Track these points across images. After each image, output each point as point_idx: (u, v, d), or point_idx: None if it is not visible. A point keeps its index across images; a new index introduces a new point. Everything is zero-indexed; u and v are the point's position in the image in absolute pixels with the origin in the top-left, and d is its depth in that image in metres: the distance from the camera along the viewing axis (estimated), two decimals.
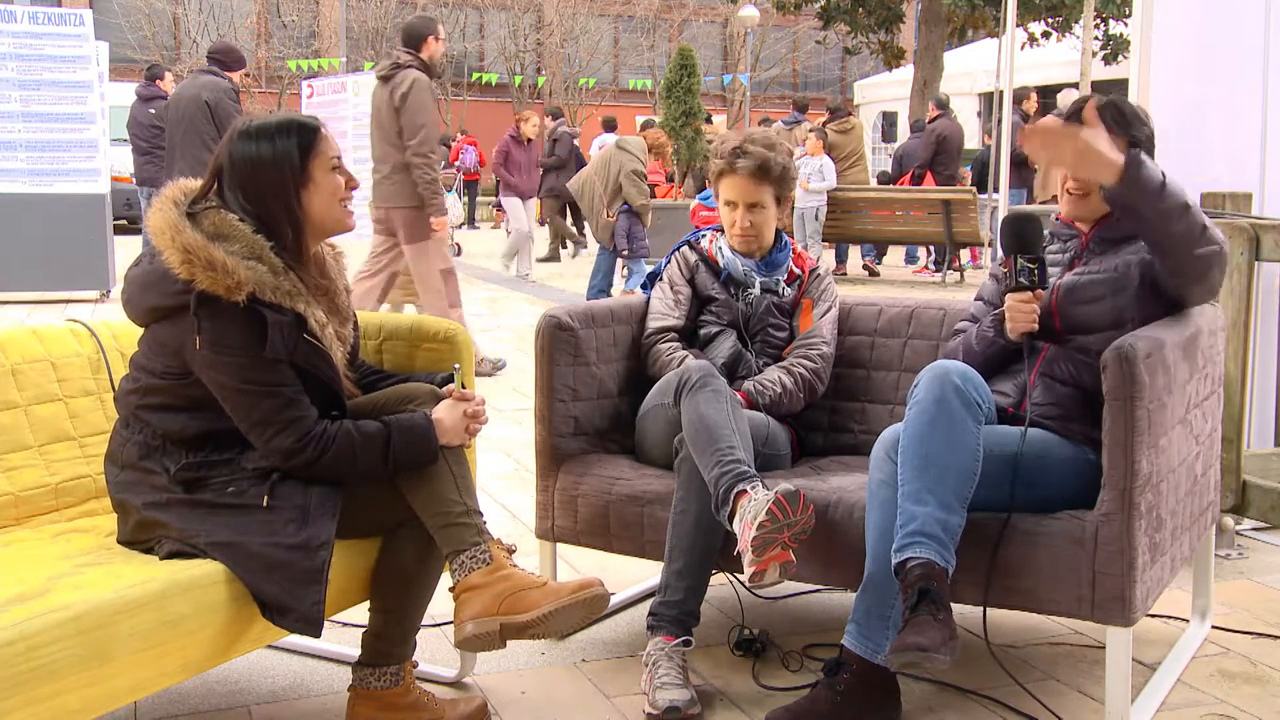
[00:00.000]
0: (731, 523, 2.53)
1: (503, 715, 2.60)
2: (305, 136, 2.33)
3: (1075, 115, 2.64)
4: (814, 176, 12.03)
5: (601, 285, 9.60)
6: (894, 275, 13.44)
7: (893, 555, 2.39)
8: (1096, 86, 14.30)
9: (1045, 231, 2.78)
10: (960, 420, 2.41)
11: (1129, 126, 2.65)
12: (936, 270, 13.20)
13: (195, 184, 2.34)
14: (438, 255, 6.45)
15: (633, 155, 9.35)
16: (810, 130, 12.70)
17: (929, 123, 13.48)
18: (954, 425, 2.41)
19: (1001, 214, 9.41)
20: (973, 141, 18.00)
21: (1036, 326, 2.61)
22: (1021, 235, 2.66)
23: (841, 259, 13.46)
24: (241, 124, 2.34)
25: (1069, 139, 2.39)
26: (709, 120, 20.20)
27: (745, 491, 2.52)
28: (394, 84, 6.30)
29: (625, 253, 9.44)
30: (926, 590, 2.30)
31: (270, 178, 2.30)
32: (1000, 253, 2.72)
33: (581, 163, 12.65)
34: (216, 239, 2.21)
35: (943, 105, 13.50)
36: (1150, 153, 2.67)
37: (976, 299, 2.93)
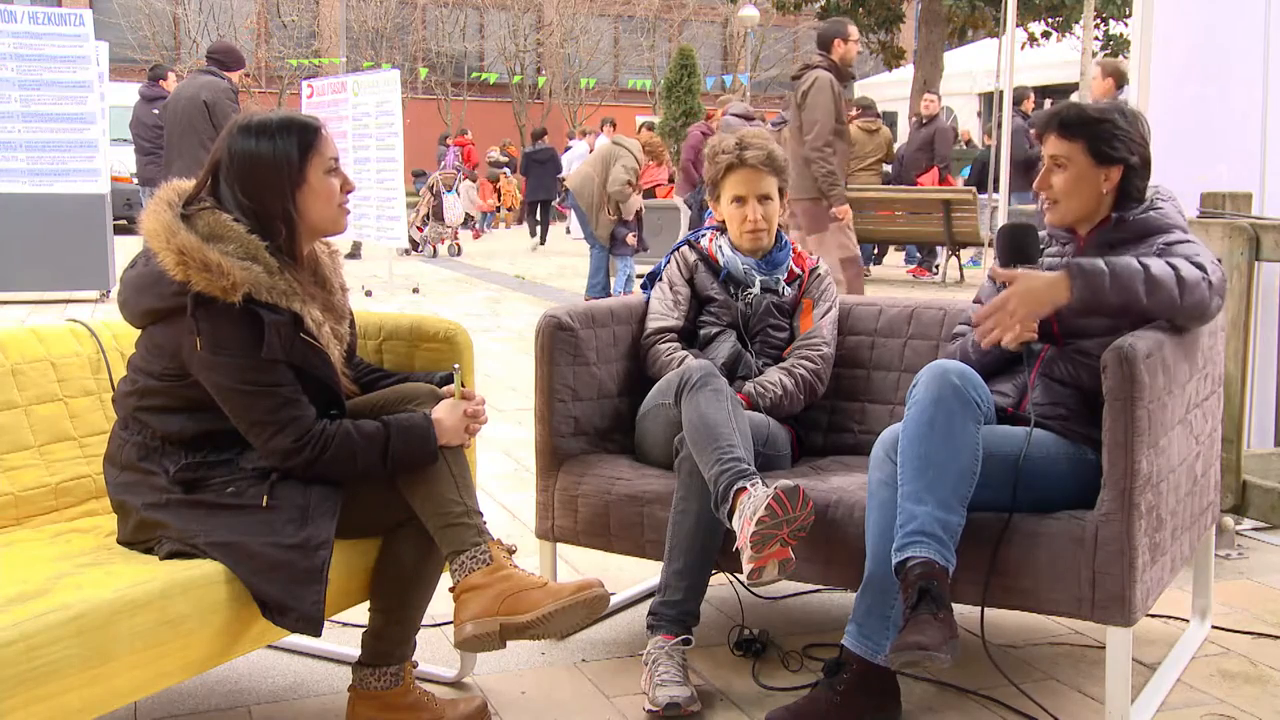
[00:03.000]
0: (731, 520, 2.53)
1: (503, 715, 2.60)
2: (305, 137, 2.32)
3: (1042, 125, 2.66)
4: None
5: (601, 284, 9.60)
6: (894, 275, 13.43)
7: (893, 555, 2.39)
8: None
9: (1043, 233, 2.77)
10: (959, 420, 2.41)
11: (1104, 142, 2.62)
12: (936, 270, 13.19)
13: (190, 185, 2.33)
14: (836, 245, 6.78)
15: (628, 152, 9.35)
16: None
17: (929, 120, 13.46)
18: (953, 425, 2.41)
19: (1002, 215, 9.41)
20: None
21: (1036, 336, 2.60)
22: (1018, 245, 2.65)
23: None
24: (242, 119, 2.33)
25: (1006, 305, 2.45)
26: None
27: (745, 488, 2.52)
28: (800, 83, 6.77)
29: (636, 251, 9.46)
30: (927, 589, 2.30)
31: (267, 176, 2.29)
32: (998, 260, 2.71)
33: None
34: (211, 240, 2.20)
35: None
36: (1145, 165, 2.66)
37: (975, 301, 2.93)
